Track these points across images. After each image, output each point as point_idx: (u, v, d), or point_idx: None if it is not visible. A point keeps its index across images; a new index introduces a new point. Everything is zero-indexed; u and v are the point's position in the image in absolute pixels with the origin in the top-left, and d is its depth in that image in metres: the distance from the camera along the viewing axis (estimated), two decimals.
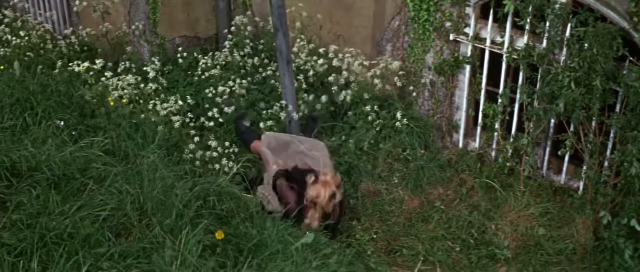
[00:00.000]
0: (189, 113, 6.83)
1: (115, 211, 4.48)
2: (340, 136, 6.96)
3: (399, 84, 7.06)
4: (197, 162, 6.23)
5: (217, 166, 6.17)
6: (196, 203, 4.65)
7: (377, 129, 6.90)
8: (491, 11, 6.39)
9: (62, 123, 5.83)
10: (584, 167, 6.11)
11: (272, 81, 7.25)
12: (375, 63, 7.14)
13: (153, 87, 6.99)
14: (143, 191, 4.60)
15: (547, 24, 5.98)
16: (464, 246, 6.18)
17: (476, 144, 6.97)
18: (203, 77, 7.46)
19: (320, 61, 7.23)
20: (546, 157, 6.57)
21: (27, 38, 8.01)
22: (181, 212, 4.54)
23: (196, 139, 6.48)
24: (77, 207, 4.44)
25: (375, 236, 6.21)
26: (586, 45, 5.65)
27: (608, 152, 6.00)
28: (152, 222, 4.43)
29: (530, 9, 6.00)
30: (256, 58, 7.53)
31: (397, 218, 6.39)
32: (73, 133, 5.79)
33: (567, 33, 5.88)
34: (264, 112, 6.92)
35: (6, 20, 8.43)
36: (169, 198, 4.59)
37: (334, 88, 7.00)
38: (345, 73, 7.09)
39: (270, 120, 6.71)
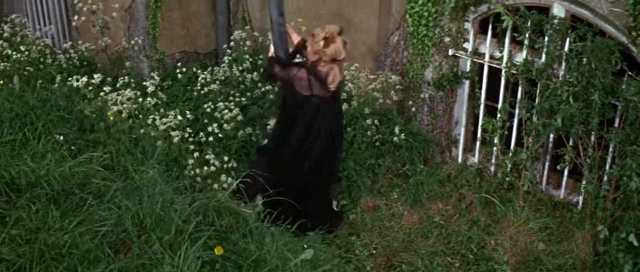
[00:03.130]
0: (188, 128, 6.83)
1: (115, 226, 4.45)
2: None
3: (395, 98, 7.06)
4: (198, 178, 6.22)
5: (216, 185, 6.16)
6: (195, 219, 4.64)
7: (377, 144, 6.90)
8: (490, 26, 6.41)
9: (61, 138, 5.82)
10: (583, 182, 6.11)
11: (271, 96, 7.25)
12: (375, 77, 7.15)
13: (152, 102, 7.00)
14: (142, 207, 4.58)
15: (546, 39, 5.99)
16: (463, 262, 6.16)
17: (475, 159, 6.98)
18: (202, 92, 7.47)
19: None
20: (545, 172, 6.57)
21: (26, 53, 8.02)
22: (180, 228, 4.53)
23: (196, 154, 6.47)
24: (77, 222, 4.42)
25: (374, 252, 6.20)
26: (585, 59, 5.66)
27: (607, 167, 6.00)
28: (152, 238, 4.40)
29: (529, 24, 6.02)
30: (255, 73, 7.53)
31: (397, 233, 6.38)
32: (72, 148, 5.77)
33: (566, 48, 5.90)
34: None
35: (5, 35, 8.44)
36: (168, 214, 4.58)
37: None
38: (347, 87, 7.10)
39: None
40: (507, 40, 6.33)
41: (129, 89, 7.07)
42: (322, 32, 5.78)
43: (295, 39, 6.23)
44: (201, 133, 6.82)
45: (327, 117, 5.99)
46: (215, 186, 6.12)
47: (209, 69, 7.84)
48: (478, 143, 6.91)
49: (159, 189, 4.81)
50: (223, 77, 7.65)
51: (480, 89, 6.74)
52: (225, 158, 6.48)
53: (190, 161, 6.30)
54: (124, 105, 6.78)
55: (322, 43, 5.74)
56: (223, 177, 6.23)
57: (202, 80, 7.55)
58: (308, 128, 5.96)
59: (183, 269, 4.26)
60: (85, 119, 6.38)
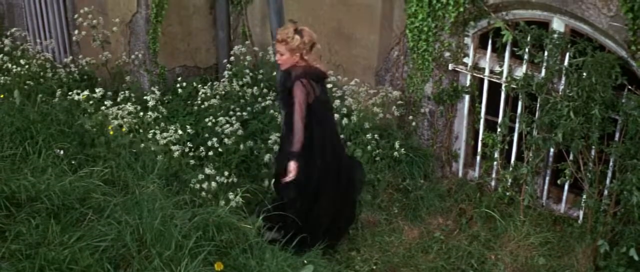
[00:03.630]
0: (188, 142, 6.83)
1: (115, 241, 4.45)
2: None
3: (396, 113, 7.07)
4: (203, 193, 6.20)
5: (221, 201, 6.14)
6: (195, 234, 4.63)
7: (377, 158, 6.90)
8: (490, 41, 6.43)
9: (61, 152, 5.82)
10: (584, 196, 6.10)
11: (271, 111, 7.25)
12: (375, 92, 7.16)
13: (153, 117, 7.00)
14: (142, 222, 4.58)
15: (546, 53, 6.00)
16: None
17: (476, 174, 6.97)
18: (203, 106, 7.47)
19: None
20: (546, 187, 6.57)
21: (27, 67, 8.03)
22: (180, 243, 4.52)
23: (201, 171, 6.43)
24: (77, 237, 4.42)
25: (374, 267, 6.18)
26: (585, 74, 5.67)
27: (608, 181, 5.99)
28: (152, 254, 4.40)
29: (528, 38, 6.04)
30: (255, 88, 7.54)
31: (397, 249, 6.36)
32: (73, 162, 5.78)
33: (566, 62, 5.91)
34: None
35: (6, 48, 8.46)
36: (168, 229, 4.57)
37: (335, 117, 7.00)
38: (347, 101, 7.11)
39: (268, 154, 6.71)
40: (507, 54, 6.34)
41: (129, 104, 7.07)
42: (288, 30, 5.68)
43: None
44: (201, 148, 6.82)
45: (330, 109, 6.07)
46: (222, 202, 6.10)
47: (209, 84, 7.84)
48: (478, 158, 6.91)
49: (159, 204, 4.81)
50: (223, 92, 7.66)
51: (480, 103, 6.74)
52: (226, 173, 6.47)
53: (200, 176, 6.26)
54: (125, 119, 6.78)
55: (297, 37, 5.68)
56: (231, 195, 6.21)
57: (203, 95, 7.55)
58: (327, 133, 5.88)
59: None
60: (86, 134, 6.39)
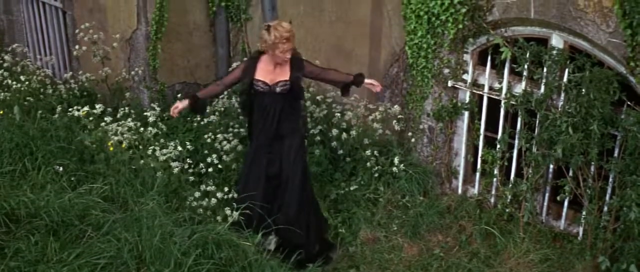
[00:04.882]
0: (188, 159, 6.83)
1: (114, 259, 4.45)
2: (339, 183, 6.96)
3: (396, 128, 7.07)
4: (200, 210, 6.19)
5: (218, 218, 6.13)
6: (195, 251, 4.63)
7: (376, 175, 6.90)
8: (489, 58, 6.44)
9: (61, 168, 5.82)
10: (584, 213, 6.09)
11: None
12: (375, 108, 7.16)
13: (152, 133, 7.01)
14: (141, 239, 4.58)
15: (545, 69, 6.02)
16: None
17: (475, 190, 6.96)
18: (202, 123, 7.48)
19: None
20: (545, 203, 6.56)
21: (27, 83, 8.04)
22: (179, 261, 4.52)
23: (201, 187, 6.44)
24: (76, 255, 4.42)
25: None
26: (583, 90, 5.68)
27: (607, 197, 5.99)
28: (151, 271, 4.40)
29: (527, 55, 6.05)
30: None
31: (397, 266, 6.35)
32: (72, 179, 5.77)
33: (565, 78, 5.92)
34: None
35: (6, 64, 8.47)
36: (168, 246, 4.56)
37: (335, 132, 7.01)
38: (347, 116, 7.11)
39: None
40: (506, 71, 6.35)
41: (129, 120, 7.08)
42: (288, 25, 5.95)
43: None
44: (201, 164, 6.82)
45: None
46: (218, 218, 6.09)
47: (208, 100, 7.85)
48: (478, 174, 6.90)
49: (159, 221, 4.81)
50: (222, 109, 7.67)
51: (479, 120, 6.74)
52: (226, 189, 6.47)
53: (197, 193, 6.26)
54: (124, 136, 6.79)
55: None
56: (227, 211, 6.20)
57: None
58: None
59: None
60: (85, 150, 6.39)
